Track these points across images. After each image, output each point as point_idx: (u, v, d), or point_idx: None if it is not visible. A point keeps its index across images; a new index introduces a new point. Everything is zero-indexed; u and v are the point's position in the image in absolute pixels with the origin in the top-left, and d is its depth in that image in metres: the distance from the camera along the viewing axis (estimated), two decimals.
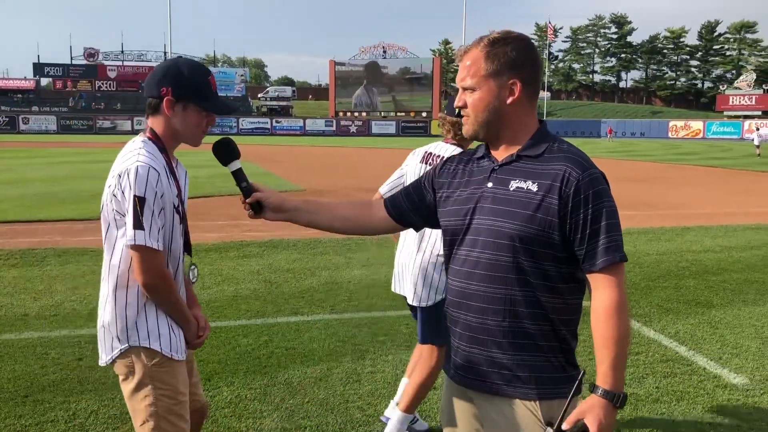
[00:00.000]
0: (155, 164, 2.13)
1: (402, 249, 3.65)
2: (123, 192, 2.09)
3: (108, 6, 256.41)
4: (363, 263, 7.65)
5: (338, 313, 5.75)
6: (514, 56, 1.83)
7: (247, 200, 2.13)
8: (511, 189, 1.82)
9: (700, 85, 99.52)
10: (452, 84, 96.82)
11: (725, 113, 73.35)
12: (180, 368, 2.26)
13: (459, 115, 1.95)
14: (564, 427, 1.72)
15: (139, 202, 2.07)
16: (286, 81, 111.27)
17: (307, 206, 2.19)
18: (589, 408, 1.72)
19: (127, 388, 2.23)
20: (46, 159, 25.31)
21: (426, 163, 3.64)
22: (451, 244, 1.94)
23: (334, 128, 66.62)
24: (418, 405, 3.58)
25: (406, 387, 3.59)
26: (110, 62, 75.93)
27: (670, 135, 66.95)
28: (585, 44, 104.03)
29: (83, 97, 71.35)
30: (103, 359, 2.26)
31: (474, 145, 2.15)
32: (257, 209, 2.14)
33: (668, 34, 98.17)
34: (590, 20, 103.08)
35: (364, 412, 3.84)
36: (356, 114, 73.06)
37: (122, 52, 76.17)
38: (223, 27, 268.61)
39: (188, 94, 2.19)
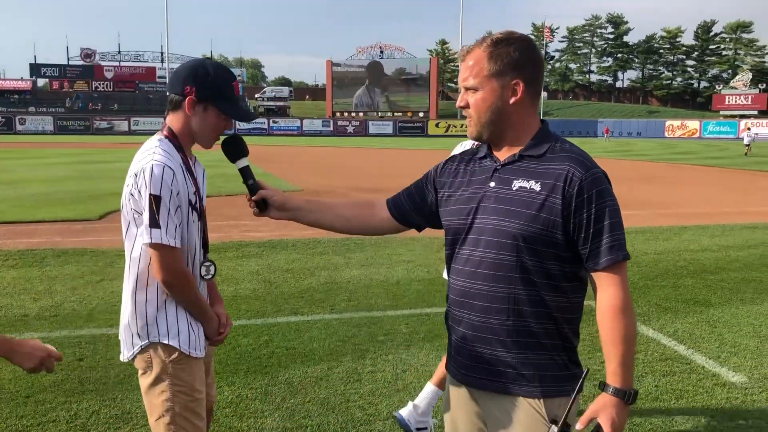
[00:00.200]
0: (170, 162, 2.14)
1: None
2: (139, 191, 2.11)
3: (105, 7, 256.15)
4: (362, 263, 7.66)
5: (338, 312, 5.76)
6: (517, 56, 1.83)
7: (253, 198, 2.15)
8: (514, 188, 1.83)
9: (696, 85, 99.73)
10: (449, 84, 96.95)
11: (721, 113, 73.52)
12: (198, 366, 2.27)
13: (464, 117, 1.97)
14: (578, 427, 1.74)
15: (155, 200, 2.08)
16: (283, 81, 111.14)
17: (310, 205, 2.22)
18: (601, 407, 1.74)
19: (145, 382, 2.25)
20: (43, 160, 25.27)
21: None
22: (453, 243, 1.95)
23: (331, 128, 66.63)
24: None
25: (441, 364, 3.63)
26: (107, 63, 75.90)
27: (666, 135, 67.09)
28: (581, 44, 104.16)
29: (80, 97, 71.25)
30: (125, 355, 2.28)
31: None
32: (262, 207, 2.17)
33: (664, 34, 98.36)
34: (587, 20, 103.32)
35: (364, 411, 3.85)
36: (353, 114, 73.06)
37: (119, 52, 76.15)
38: (220, 27, 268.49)
39: (211, 96, 2.19)
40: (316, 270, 7.30)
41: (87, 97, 71.64)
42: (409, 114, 72.51)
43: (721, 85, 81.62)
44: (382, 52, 75.44)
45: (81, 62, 75.16)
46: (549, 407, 1.82)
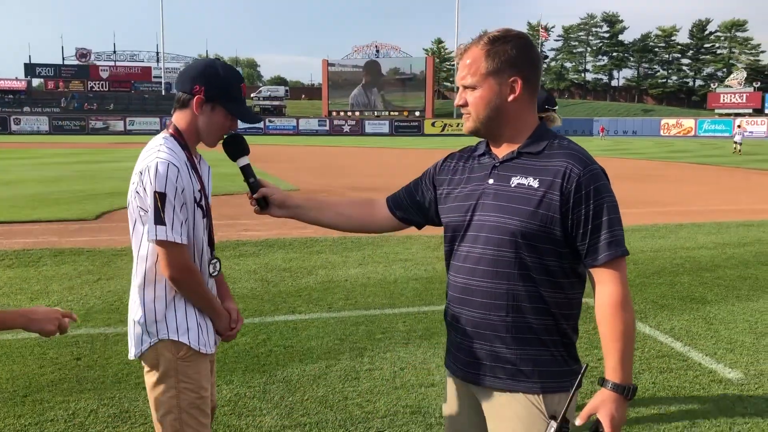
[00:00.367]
0: (175, 160, 2.16)
1: None
2: (144, 189, 2.12)
3: (100, 6, 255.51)
4: (360, 262, 7.66)
5: (336, 311, 5.77)
6: (515, 54, 1.84)
7: (254, 196, 2.18)
8: (513, 185, 1.84)
9: (691, 84, 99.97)
10: (445, 83, 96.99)
11: (716, 111, 73.68)
12: (204, 363, 2.28)
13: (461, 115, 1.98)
14: (577, 422, 1.75)
15: (160, 197, 2.10)
16: (279, 81, 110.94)
17: (310, 203, 2.24)
18: (600, 403, 1.75)
19: (150, 379, 2.25)
20: (39, 160, 25.21)
21: None
22: (452, 240, 1.96)
23: (327, 128, 66.58)
24: None
25: None
26: (102, 62, 75.71)
27: (662, 133, 67.26)
28: (577, 43, 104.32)
29: (75, 97, 71.06)
30: (133, 353, 2.28)
31: None
32: (263, 205, 2.20)
33: (660, 33, 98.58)
34: (582, 19, 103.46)
35: (363, 408, 3.86)
36: (349, 113, 73.02)
37: (114, 52, 75.96)
38: (216, 27, 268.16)
39: (220, 96, 2.21)
40: (313, 269, 7.30)
41: (82, 97, 71.45)
42: (406, 113, 72.49)
43: (716, 84, 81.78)
44: (378, 51, 75.40)
45: (76, 62, 74.95)
46: (548, 403, 1.83)
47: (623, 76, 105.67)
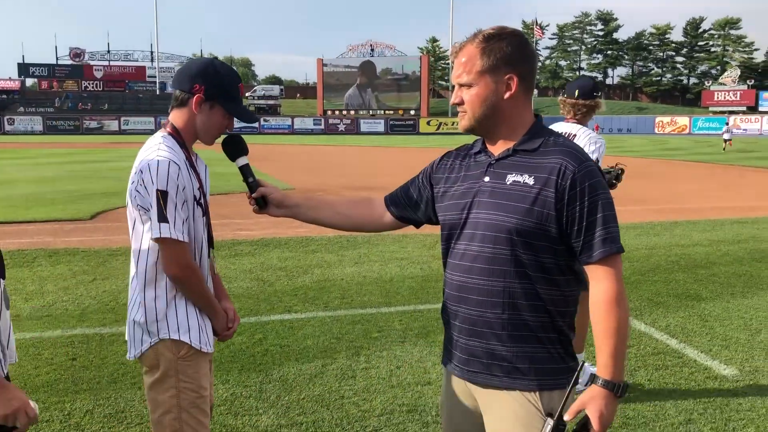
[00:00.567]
0: (176, 158, 2.17)
1: None
2: (146, 187, 2.12)
3: (94, 6, 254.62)
4: (355, 260, 7.66)
5: (332, 310, 5.77)
6: (510, 51, 1.84)
7: (253, 195, 2.20)
8: (508, 183, 1.84)
9: (685, 81, 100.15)
10: (440, 82, 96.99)
11: (711, 109, 73.89)
12: (204, 362, 2.29)
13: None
14: (566, 418, 1.75)
15: (162, 195, 2.10)
16: (274, 80, 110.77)
17: (309, 203, 2.25)
18: (590, 399, 1.75)
19: (150, 379, 2.25)
20: (33, 160, 25.11)
21: None
22: (449, 238, 1.96)
23: (322, 126, 66.48)
24: (583, 342, 4.14)
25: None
26: (96, 62, 75.46)
27: (656, 131, 67.37)
28: (571, 41, 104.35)
29: (69, 97, 70.80)
30: (132, 353, 2.28)
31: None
32: (261, 204, 2.22)
33: (654, 31, 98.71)
34: (576, 17, 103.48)
35: (359, 407, 3.86)
36: (344, 112, 72.96)
37: (108, 51, 75.73)
38: (210, 26, 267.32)
39: (219, 96, 2.23)
40: (309, 268, 7.30)
41: (76, 96, 71.17)
42: (401, 112, 72.43)
43: (710, 82, 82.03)
44: (372, 50, 75.30)
45: (70, 62, 74.69)
46: (545, 400, 1.84)
47: (618, 74, 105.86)
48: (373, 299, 6.09)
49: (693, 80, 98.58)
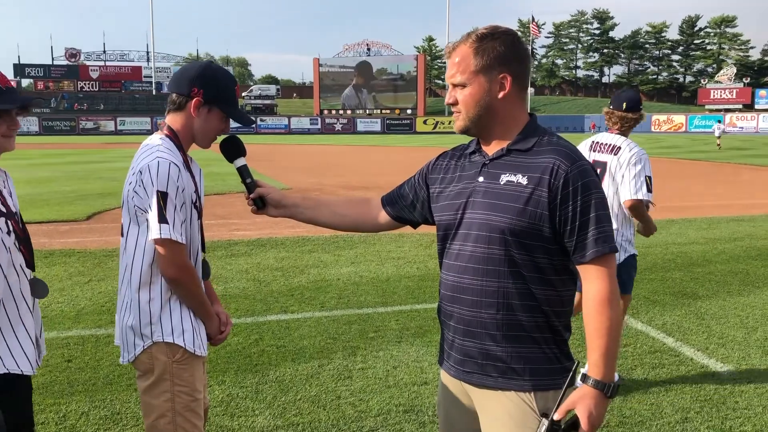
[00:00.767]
0: (175, 160, 2.17)
1: None
2: (145, 188, 2.12)
3: (89, 6, 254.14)
4: (352, 260, 7.65)
5: (328, 310, 5.76)
6: (503, 51, 1.84)
7: (251, 196, 2.21)
8: (502, 183, 1.84)
9: (681, 80, 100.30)
10: (437, 81, 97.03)
11: (707, 107, 74.00)
12: (198, 365, 2.28)
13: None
14: (555, 417, 1.74)
15: (162, 197, 2.10)
16: (270, 79, 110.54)
17: (306, 203, 2.26)
18: (579, 398, 1.74)
19: (144, 383, 2.23)
20: (29, 160, 25.03)
21: (594, 151, 4.26)
22: (444, 238, 1.96)
23: (319, 126, 66.43)
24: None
25: None
26: (92, 62, 75.25)
27: (652, 129, 67.42)
28: (568, 40, 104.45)
29: (65, 97, 70.61)
30: (125, 357, 2.26)
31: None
32: (260, 205, 2.23)
33: (650, 29, 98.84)
34: (572, 16, 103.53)
35: (356, 408, 3.85)
36: (341, 112, 72.91)
37: (104, 52, 75.48)
38: (206, 26, 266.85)
39: (217, 99, 2.23)
40: (305, 268, 7.29)
41: (72, 97, 70.98)
42: (397, 111, 72.35)
43: (706, 80, 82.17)
44: (369, 49, 75.20)
45: (66, 62, 74.46)
46: (540, 400, 1.83)
47: (614, 72, 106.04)
48: (369, 299, 6.08)
49: (689, 78, 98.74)
